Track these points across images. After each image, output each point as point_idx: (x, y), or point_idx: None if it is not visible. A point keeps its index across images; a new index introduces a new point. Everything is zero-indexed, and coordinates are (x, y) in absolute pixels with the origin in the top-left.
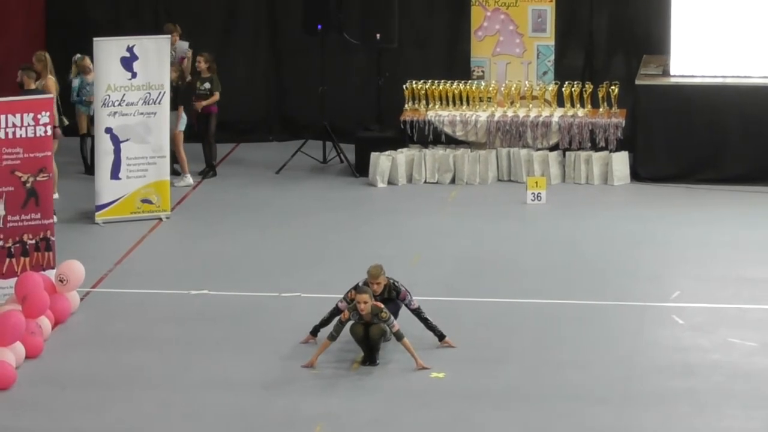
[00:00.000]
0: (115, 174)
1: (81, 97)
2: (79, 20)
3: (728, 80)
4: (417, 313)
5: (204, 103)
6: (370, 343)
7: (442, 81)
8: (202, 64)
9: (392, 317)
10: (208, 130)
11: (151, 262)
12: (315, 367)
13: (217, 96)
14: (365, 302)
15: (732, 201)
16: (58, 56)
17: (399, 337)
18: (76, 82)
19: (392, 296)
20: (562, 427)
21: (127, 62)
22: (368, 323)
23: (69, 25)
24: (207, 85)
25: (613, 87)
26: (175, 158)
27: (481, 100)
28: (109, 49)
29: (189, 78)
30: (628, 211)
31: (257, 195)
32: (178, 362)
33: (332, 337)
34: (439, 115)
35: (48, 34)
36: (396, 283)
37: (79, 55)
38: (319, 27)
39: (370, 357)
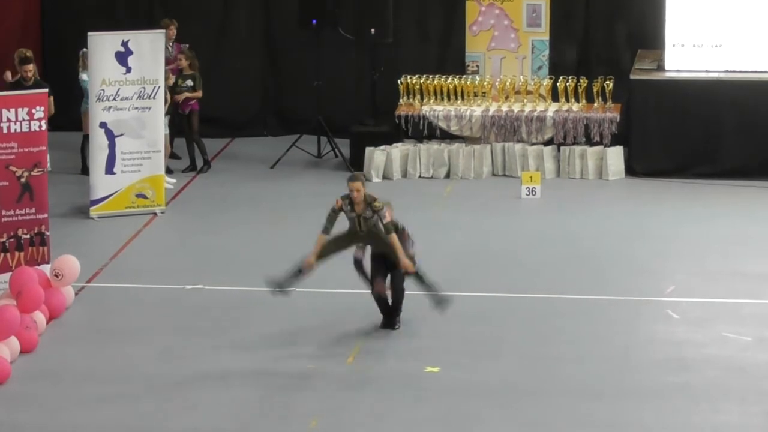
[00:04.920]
0: (109, 169)
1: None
2: (74, 14)
3: (723, 75)
4: (386, 228)
5: (186, 95)
6: (392, 286)
7: (437, 76)
8: (183, 62)
9: (385, 207)
10: (192, 127)
11: (145, 257)
12: (314, 266)
13: (199, 93)
14: (358, 190)
15: (727, 195)
16: (53, 50)
17: (388, 230)
18: (84, 77)
19: (373, 207)
20: (558, 422)
21: (122, 57)
22: (363, 223)
23: (64, 19)
24: (189, 83)
25: (607, 82)
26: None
27: (475, 94)
28: (103, 44)
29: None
30: (623, 205)
31: (252, 190)
32: (173, 357)
33: (326, 230)
34: (434, 109)
35: (43, 29)
36: (373, 196)
37: (85, 50)
38: (314, 22)
39: (389, 321)
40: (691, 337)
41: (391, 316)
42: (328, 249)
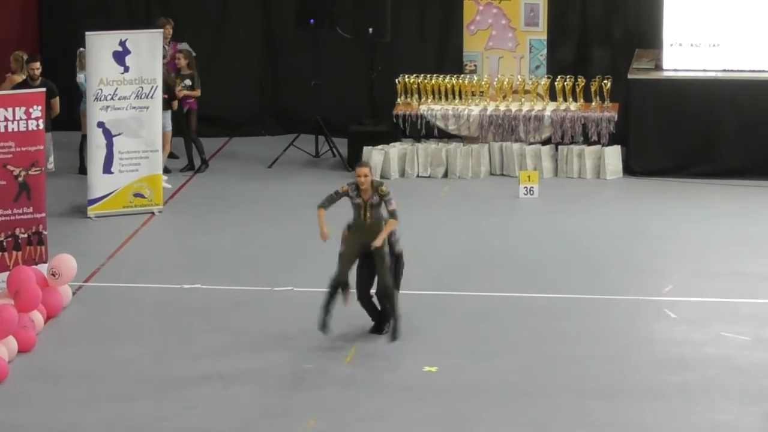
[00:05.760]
0: (107, 168)
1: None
2: (72, 13)
3: (720, 74)
4: (391, 213)
5: (184, 92)
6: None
7: (435, 75)
8: (182, 61)
9: (391, 193)
10: (189, 126)
11: (143, 256)
12: (328, 235)
13: (198, 92)
14: (365, 175)
15: (725, 195)
16: (51, 49)
17: (393, 216)
18: (81, 77)
19: (380, 191)
20: (556, 422)
21: (120, 56)
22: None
23: (61, 18)
24: (188, 82)
25: (605, 81)
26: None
27: (473, 94)
28: (101, 43)
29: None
30: (621, 205)
31: (250, 189)
32: (171, 356)
33: (324, 206)
34: (432, 109)
35: (41, 28)
36: (380, 182)
37: (82, 49)
38: (312, 21)
39: (378, 325)
40: (690, 336)
41: (380, 321)
42: (349, 258)
